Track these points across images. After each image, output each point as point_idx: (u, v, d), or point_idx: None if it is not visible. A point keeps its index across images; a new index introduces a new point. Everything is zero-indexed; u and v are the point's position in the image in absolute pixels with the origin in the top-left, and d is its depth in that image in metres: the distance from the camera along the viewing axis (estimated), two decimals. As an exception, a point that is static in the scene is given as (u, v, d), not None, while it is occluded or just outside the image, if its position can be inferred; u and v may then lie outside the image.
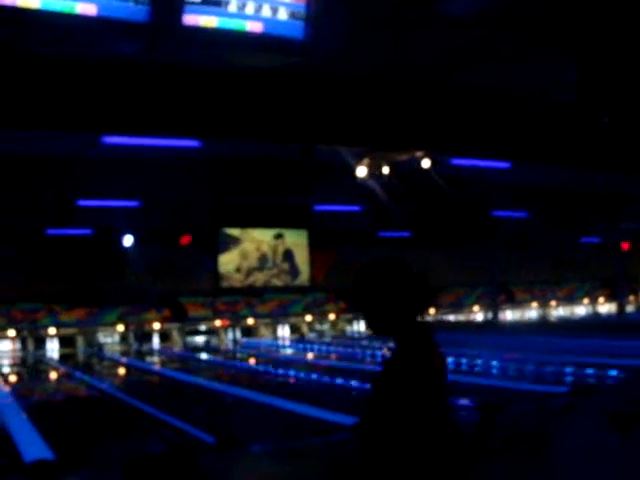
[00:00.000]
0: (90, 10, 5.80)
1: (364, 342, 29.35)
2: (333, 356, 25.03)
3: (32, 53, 8.51)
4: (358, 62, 9.53)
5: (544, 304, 39.51)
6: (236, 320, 31.99)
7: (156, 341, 31.04)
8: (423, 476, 2.65)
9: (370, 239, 28.52)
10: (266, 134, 10.49)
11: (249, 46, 6.71)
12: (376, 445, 2.68)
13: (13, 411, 13.48)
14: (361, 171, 15.16)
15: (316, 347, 28.33)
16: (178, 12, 6.07)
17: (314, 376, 17.48)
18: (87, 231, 24.51)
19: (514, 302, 38.07)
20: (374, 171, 15.17)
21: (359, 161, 14.97)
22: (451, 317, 35.56)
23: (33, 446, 9.86)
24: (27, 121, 9.05)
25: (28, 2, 5.61)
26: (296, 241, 30.53)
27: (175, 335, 31.20)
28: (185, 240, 26.41)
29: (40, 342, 29.50)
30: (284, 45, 6.65)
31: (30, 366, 26.71)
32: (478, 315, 37.10)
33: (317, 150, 12.97)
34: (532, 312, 39.28)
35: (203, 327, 32.11)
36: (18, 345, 29.53)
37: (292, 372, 18.67)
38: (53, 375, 23.67)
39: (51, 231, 23.90)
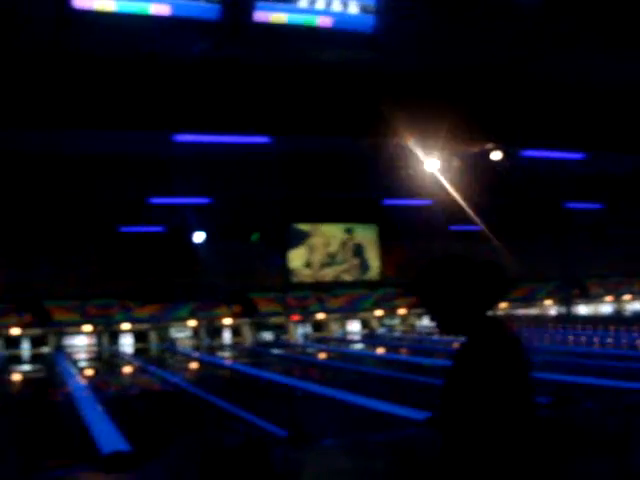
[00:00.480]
0: (163, 10, 5.89)
1: (434, 337, 29.14)
2: (403, 350, 24.91)
3: (103, 55, 8.66)
4: (427, 54, 9.46)
5: (618, 298, 38.64)
6: (306, 315, 32.06)
7: (227, 336, 31.31)
8: (503, 469, 2.61)
9: (440, 233, 28.31)
10: (337, 129, 10.49)
11: (319, 41, 6.72)
12: (454, 439, 2.66)
13: (90, 404, 13.70)
14: (431, 164, 15.05)
15: (386, 342, 28.23)
16: (249, 9, 6.11)
17: (384, 371, 17.41)
18: (159, 228, 24.90)
19: (588, 296, 37.33)
20: (444, 164, 15.05)
21: (429, 154, 14.87)
22: (521, 311, 35.04)
23: (109, 438, 9.99)
24: (102, 122, 9.22)
25: (104, 5, 5.71)
26: (366, 236, 30.50)
27: (246, 330, 31.42)
28: (255, 236, 26.51)
29: (114, 337, 30.04)
30: (354, 39, 6.64)
31: (105, 360, 27.22)
32: (550, 309, 36.48)
33: (387, 144, 12.93)
34: (606, 306, 38.45)
35: (273, 322, 32.26)
36: (93, 340, 30.13)
37: (362, 367, 18.62)
38: (127, 369, 24.04)
39: (124, 228, 24.34)
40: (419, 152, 14.65)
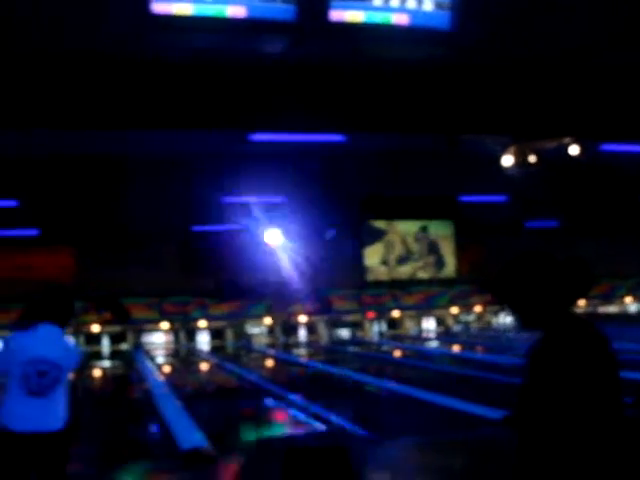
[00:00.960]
0: (239, 12, 5.96)
1: (511, 334, 28.76)
2: (479, 348, 24.66)
3: (181, 57, 8.79)
4: (502, 49, 9.34)
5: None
6: (381, 312, 31.99)
7: (302, 334, 31.46)
8: (582, 470, 2.56)
9: (517, 229, 27.94)
10: (412, 126, 10.43)
11: (395, 39, 6.70)
12: (531, 439, 2.62)
13: (168, 400, 13.92)
14: (507, 160, 14.85)
15: (462, 339, 27.99)
16: (324, 9, 6.14)
17: (460, 369, 17.27)
18: (236, 226, 25.16)
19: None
20: (520, 160, 14.83)
21: (505, 150, 14.68)
22: (600, 309, 34.31)
23: (188, 434, 10.14)
24: (181, 122, 9.36)
25: (182, 9, 5.80)
26: (442, 233, 30.27)
27: (321, 328, 31.51)
28: (330, 234, 26.59)
29: (191, 334, 30.47)
30: (430, 36, 6.61)
31: (182, 357, 27.63)
32: (630, 307, 35.64)
33: (463, 141, 12.82)
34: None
35: (349, 320, 32.29)
36: (171, 337, 30.63)
37: (438, 364, 18.51)
38: (204, 366, 24.35)
39: (202, 227, 24.67)
40: (496, 148, 14.48)
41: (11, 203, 18.68)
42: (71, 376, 5.10)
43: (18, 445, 4.72)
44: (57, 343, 4.94)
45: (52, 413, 4.82)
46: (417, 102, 10.03)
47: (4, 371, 4.85)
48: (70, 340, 5.14)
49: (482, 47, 8.28)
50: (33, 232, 24.79)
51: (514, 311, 2.86)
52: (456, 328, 32.52)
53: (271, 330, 31.08)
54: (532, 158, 14.68)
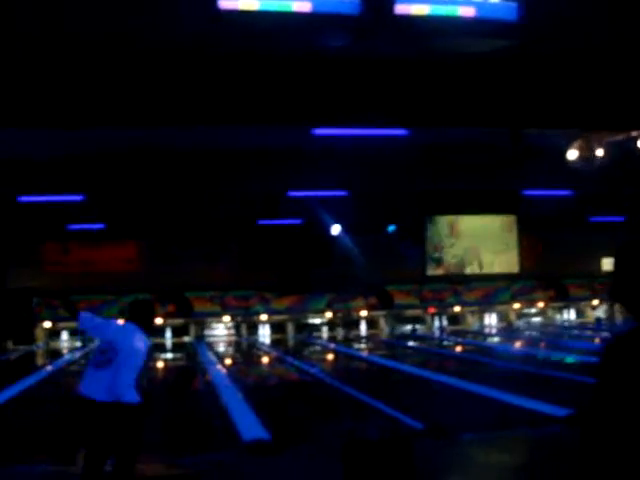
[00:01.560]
0: (305, 7, 5.99)
1: (575, 331, 28.37)
2: (542, 345, 24.37)
3: (246, 52, 8.85)
4: (569, 40, 9.17)
5: None
6: (442, 308, 31.84)
7: (363, 328, 31.47)
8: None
9: (581, 224, 27.50)
10: (476, 120, 10.34)
11: (461, 32, 6.66)
12: (597, 440, 2.56)
13: (230, 392, 14.06)
14: (572, 154, 14.63)
15: (524, 335, 27.70)
16: (390, 2, 6.13)
17: (523, 365, 17.08)
18: (297, 221, 25.27)
19: None
20: (586, 153, 14.59)
21: (570, 143, 14.45)
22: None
23: (250, 425, 10.24)
24: (246, 117, 9.43)
25: (248, 4, 5.86)
26: (504, 227, 29.93)
27: (382, 322, 31.49)
28: (391, 229, 26.51)
29: (253, 328, 30.72)
30: (497, 28, 6.54)
31: (244, 350, 27.88)
32: None
33: (526, 134, 12.65)
34: None
35: (409, 314, 32.21)
36: (232, 330, 30.95)
37: (500, 360, 18.34)
38: (265, 359, 24.53)
39: (264, 222, 24.83)
40: (561, 140, 14.27)
41: (78, 198, 19.01)
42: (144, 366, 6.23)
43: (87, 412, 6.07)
44: (131, 338, 6.22)
45: (119, 388, 5.97)
46: (482, 95, 9.94)
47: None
48: (144, 338, 6.36)
49: (549, 38, 8.16)
50: (99, 226, 25.24)
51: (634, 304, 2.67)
52: (518, 324, 32.20)
53: (332, 324, 31.17)
54: (599, 152, 14.43)
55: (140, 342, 6.26)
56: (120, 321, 6.63)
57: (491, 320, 32.90)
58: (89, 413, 6.05)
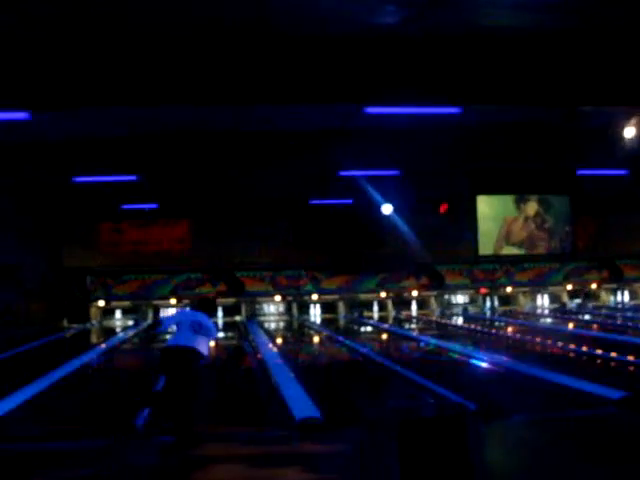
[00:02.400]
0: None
1: (628, 313, 27.97)
2: (595, 326, 24.07)
3: (298, 32, 8.84)
4: (622, 13, 8.97)
5: None
6: (494, 288, 31.62)
7: (414, 308, 31.42)
8: None
9: (636, 204, 27.01)
10: (529, 98, 10.20)
11: (511, 6, 6.55)
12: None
13: (282, 371, 14.13)
14: (629, 132, 14.35)
15: (577, 317, 27.39)
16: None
17: (575, 346, 16.90)
18: (348, 201, 25.24)
19: None
20: (645, 130, 14.30)
21: (627, 122, 14.17)
22: None
23: (301, 404, 10.29)
24: (297, 96, 9.43)
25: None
26: (558, 208, 29.56)
27: (433, 302, 31.40)
28: (443, 208, 26.37)
29: (304, 307, 30.85)
30: (549, 2, 6.43)
31: (294, 330, 28.01)
32: None
33: (582, 112, 12.44)
34: None
35: (460, 295, 32.07)
36: (283, 310, 31.13)
37: (552, 341, 18.16)
38: (316, 339, 24.61)
39: (315, 201, 24.85)
40: (617, 119, 14.01)
41: (132, 178, 19.20)
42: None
43: (172, 354, 8.98)
44: (201, 317, 9.33)
45: (196, 342, 8.96)
46: (536, 73, 9.80)
47: (174, 325, 9.45)
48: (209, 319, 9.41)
49: (601, 12, 7.99)
50: (152, 206, 25.48)
51: None
52: (571, 305, 31.85)
53: (382, 304, 31.18)
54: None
55: (210, 322, 9.44)
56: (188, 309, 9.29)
57: (543, 301, 32.58)
58: (174, 354, 8.92)
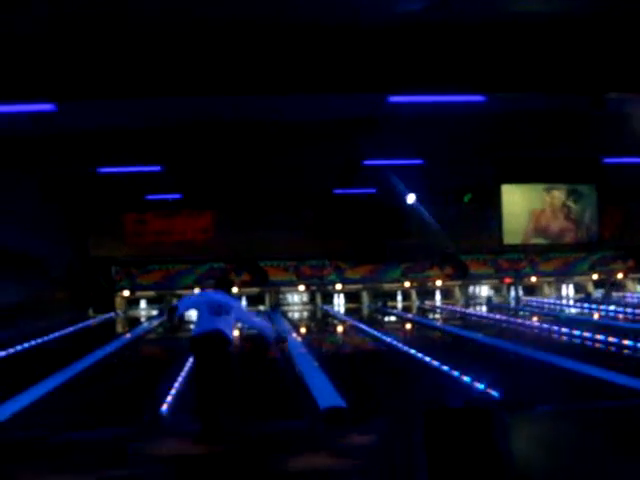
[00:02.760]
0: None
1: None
2: (620, 317, 23.89)
3: (322, 19, 8.81)
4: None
5: None
6: (518, 278, 31.49)
7: (438, 298, 31.38)
8: None
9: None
10: (557, 85, 10.10)
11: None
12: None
13: (306, 360, 14.16)
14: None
15: (602, 307, 27.21)
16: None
17: (601, 337, 16.78)
18: (372, 190, 25.18)
19: None
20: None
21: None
22: None
23: (326, 393, 10.30)
24: (319, 86, 9.41)
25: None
26: (583, 197, 29.33)
27: (457, 292, 31.33)
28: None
29: (327, 297, 30.90)
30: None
31: (318, 319, 28.06)
32: None
33: (609, 100, 12.28)
34: None
35: (485, 284, 31.99)
36: (307, 299, 31.20)
37: (577, 331, 18.05)
38: (340, 328, 24.64)
39: (339, 191, 24.83)
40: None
41: (156, 169, 19.26)
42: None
43: (200, 342, 8.66)
44: (221, 297, 8.96)
45: (220, 324, 8.66)
46: (561, 60, 9.70)
47: (193, 308, 9.27)
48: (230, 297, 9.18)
49: None
50: (176, 197, 25.57)
51: None
52: (596, 295, 31.65)
53: (406, 294, 31.16)
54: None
55: (233, 299, 9.26)
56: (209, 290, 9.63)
57: (568, 291, 32.42)
58: (202, 343, 8.63)
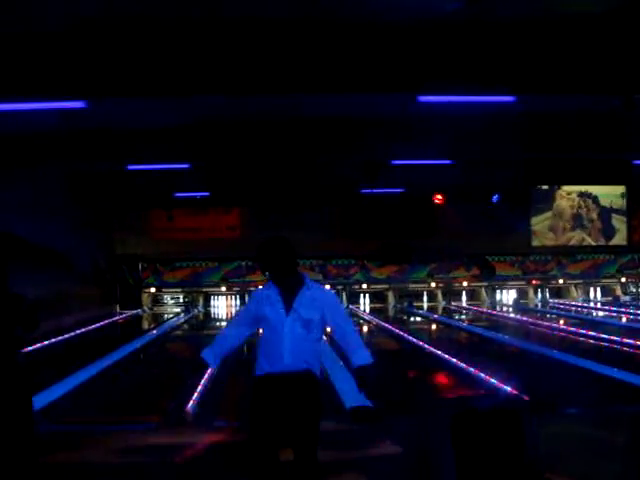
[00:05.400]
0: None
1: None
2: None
3: (353, 18, 8.80)
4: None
5: None
6: (545, 280, 31.29)
7: (464, 298, 31.25)
8: None
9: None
10: (586, 86, 10.02)
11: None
12: None
13: (331, 359, 14.16)
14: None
15: (631, 310, 26.97)
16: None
17: (627, 339, 16.65)
18: (399, 190, 25.13)
19: None
20: None
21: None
22: None
23: (352, 393, 10.29)
24: (349, 85, 9.41)
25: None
26: (613, 199, 29.11)
27: (483, 293, 31.19)
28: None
29: (353, 296, 30.85)
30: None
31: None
32: None
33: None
34: None
35: (511, 286, 31.81)
36: (333, 298, 31.15)
37: (605, 334, 17.91)
38: (365, 328, 24.60)
39: (365, 190, 24.80)
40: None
41: (184, 166, 19.35)
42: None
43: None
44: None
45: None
46: (593, 60, 9.61)
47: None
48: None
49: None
50: (204, 194, 25.66)
51: None
52: (625, 298, 31.38)
53: (432, 294, 31.07)
54: None
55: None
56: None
57: (596, 294, 32.17)
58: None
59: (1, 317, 5.59)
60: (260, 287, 5.61)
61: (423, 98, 11.27)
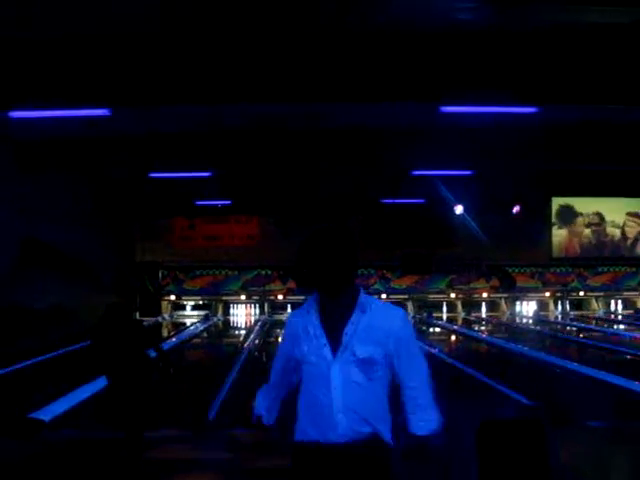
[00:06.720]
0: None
1: None
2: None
3: (374, 27, 8.83)
4: None
5: None
6: (565, 292, 31.11)
7: (483, 309, 31.12)
8: None
9: None
10: (610, 97, 10.00)
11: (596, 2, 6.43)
12: None
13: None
14: None
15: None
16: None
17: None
18: (420, 200, 25.12)
19: None
20: None
21: None
22: None
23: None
24: (370, 94, 9.44)
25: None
26: (634, 210, 28.96)
27: (503, 305, 31.05)
28: (516, 210, 26.07)
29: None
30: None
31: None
32: None
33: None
34: None
35: (532, 298, 31.64)
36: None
37: (625, 348, 17.78)
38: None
39: (386, 200, 24.82)
40: None
41: (206, 174, 19.43)
42: None
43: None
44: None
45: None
46: (612, 71, 9.58)
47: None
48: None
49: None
50: (225, 203, 25.75)
51: None
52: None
53: (451, 305, 30.96)
54: None
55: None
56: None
57: (617, 306, 31.92)
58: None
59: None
60: (298, 308, 3.89)
61: (445, 109, 11.28)
